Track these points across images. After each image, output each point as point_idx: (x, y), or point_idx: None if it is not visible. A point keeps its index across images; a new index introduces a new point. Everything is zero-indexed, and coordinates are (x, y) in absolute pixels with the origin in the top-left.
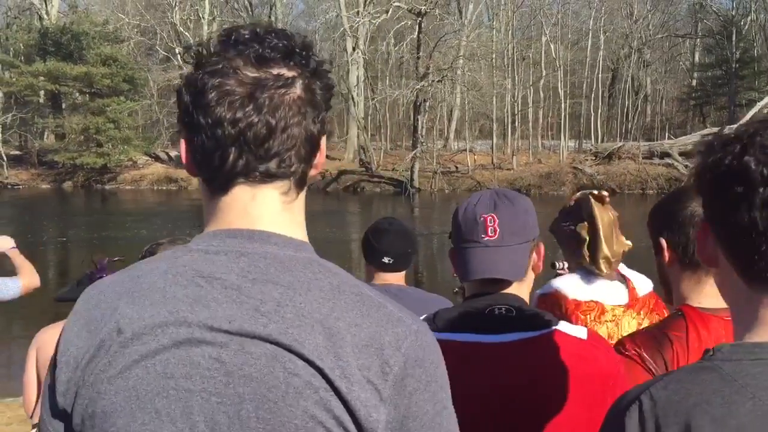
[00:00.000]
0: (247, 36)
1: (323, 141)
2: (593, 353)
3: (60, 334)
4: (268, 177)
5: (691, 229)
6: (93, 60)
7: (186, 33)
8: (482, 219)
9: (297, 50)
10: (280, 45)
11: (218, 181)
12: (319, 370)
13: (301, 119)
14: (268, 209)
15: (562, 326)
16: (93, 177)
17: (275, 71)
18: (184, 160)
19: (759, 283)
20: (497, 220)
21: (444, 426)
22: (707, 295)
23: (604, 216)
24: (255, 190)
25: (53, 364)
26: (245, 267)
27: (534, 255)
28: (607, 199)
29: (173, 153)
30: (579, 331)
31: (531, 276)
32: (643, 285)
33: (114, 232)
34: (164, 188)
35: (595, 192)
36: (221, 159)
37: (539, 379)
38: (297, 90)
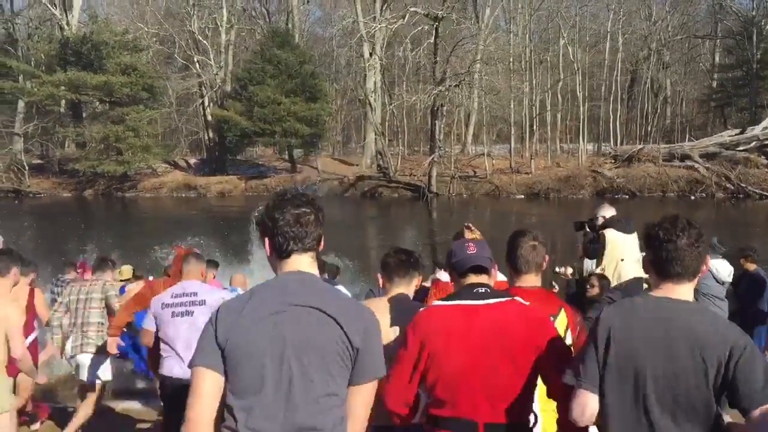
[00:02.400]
0: (290, 196)
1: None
2: (531, 309)
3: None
4: (306, 251)
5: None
6: (113, 69)
7: (204, 41)
8: (467, 244)
9: (310, 201)
10: (304, 200)
11: (284, 254)
12: (339, 324)
13: (315, 228)
14: (305, 263)
15: (516, 298)
16: (113, 185)
17: (304, 209)
18: (268, 250)
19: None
20: (475, 246)
21: (380, 358)
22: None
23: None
24: (302, 256)
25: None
26: (300, 282)
27: (493, 270)
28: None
29: (192, 160)
30: (522, 301)
31: (494, 278)
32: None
33: (133, 239)
34: (183, 195)
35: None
36: (285, 246)
37: (505, 321)
38: (312, 217)
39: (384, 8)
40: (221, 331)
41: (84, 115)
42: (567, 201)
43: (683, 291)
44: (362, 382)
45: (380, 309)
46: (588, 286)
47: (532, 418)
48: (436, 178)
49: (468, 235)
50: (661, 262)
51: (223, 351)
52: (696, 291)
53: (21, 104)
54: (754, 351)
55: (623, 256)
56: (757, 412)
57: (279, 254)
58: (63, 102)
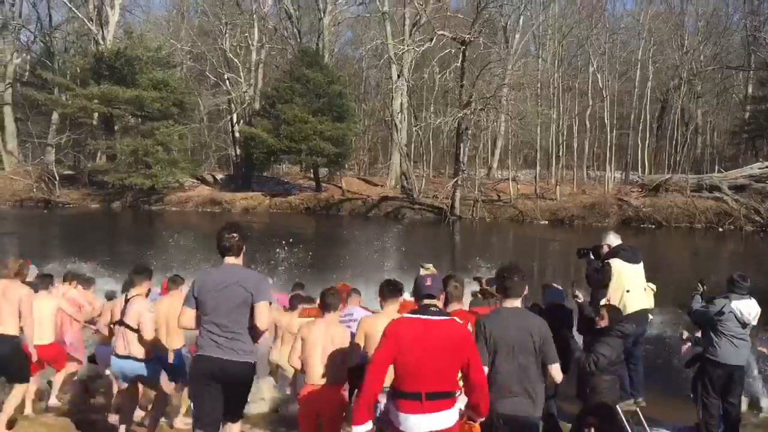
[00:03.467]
0: (227, 226)
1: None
2: (461, 326)
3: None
4: (232, 255)
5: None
6: (145, 84)
7: (235, 59)
8: (426, 278)
9: (237, 227)
10: (233, 228)
11: (222, 256)
12: (249, 291)
13: (241, 243)
14: (232, 261)
15: (454, 318)
16: (141, 198)
17: (234, 233)
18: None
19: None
20: (431, 280)
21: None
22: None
23: None
24: (230, 257)
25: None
26: (229, 269)
27: (441, 295)
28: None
29: (219, 176)
30: (458, 319)
31: (441, 301)
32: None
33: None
34: (208, 210)
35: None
36: (222, 252)
37: (448, 331)
38: (236, 238)
39: (413, 31)
40: (196, 290)
41: (115, 128)
42: (591, 228)
43: (516, 303)
44: (258, 304)
45: (378, 322)
46: (597, 317)
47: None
48: (460, 201)
49: (423, 271)
50: (506, 290)
51: (197, 300)
52: (717, 332)
53: (55, 116)
54: (549, 334)
55: (629, 287)
56: (552, 367)
57: (221, 256)
58: (95, 115)
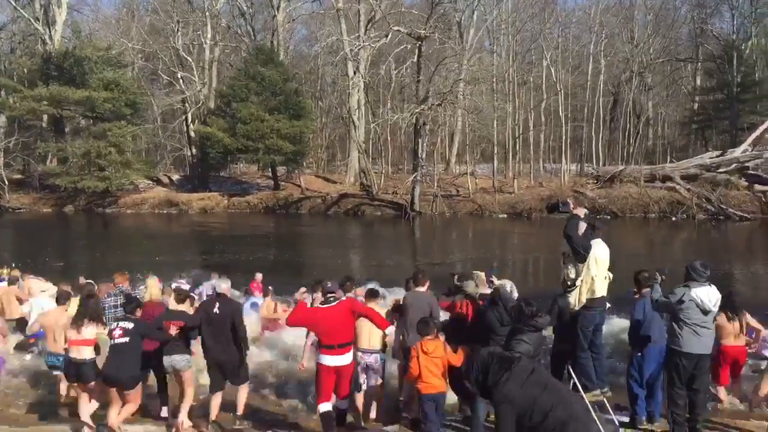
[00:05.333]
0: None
1: None
2: (348, 302)
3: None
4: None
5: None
6: (95, 84)
7: (189, 58)
8: (328, 283)
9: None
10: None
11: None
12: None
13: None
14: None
15: (343, 299)
16: (94, 201)
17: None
18: None
19: None
20: (332, 284)
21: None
22: None
23: None
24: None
25: None
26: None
27: (338, 291)
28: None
29: (175, 177)
30: (352, 298)
31: (340, 295)
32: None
33: (113, 256)
34: (165, 212)
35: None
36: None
37: (341, 312)
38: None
39: (368, 27)
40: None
41: (66, 130)
42: (549, 221)
43: (423, 289)
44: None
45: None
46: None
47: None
48: (419, 197)
49: (330, 285)
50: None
51: None
52: (679, 321)
53: (2, 119)
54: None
55: (602, 273)
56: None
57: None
58: (45, 117)
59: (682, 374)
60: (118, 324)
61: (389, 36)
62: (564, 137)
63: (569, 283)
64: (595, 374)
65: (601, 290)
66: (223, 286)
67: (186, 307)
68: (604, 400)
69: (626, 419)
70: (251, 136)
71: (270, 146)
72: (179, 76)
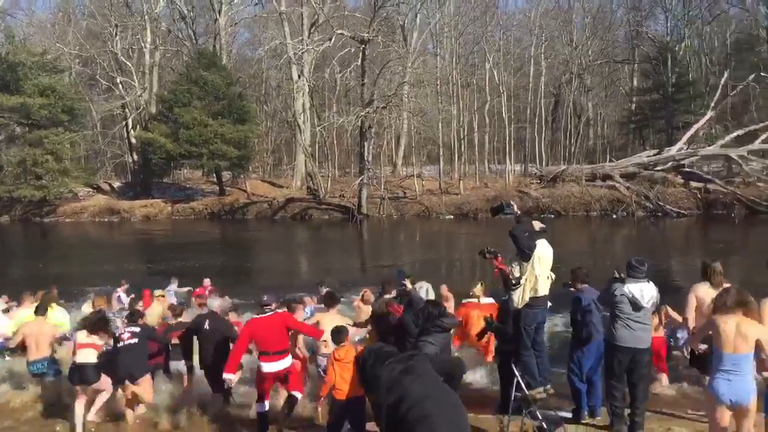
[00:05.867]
0: None
1: None
2: (282, 314)
3: None
4: None
5: None
6: (30, 90)
7: (128, 62)
8: (265, 296)
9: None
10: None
11: None
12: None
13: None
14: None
15: (279, 312)
16: (31, 210)
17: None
18: None
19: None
20: (268, 296)
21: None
22: None
23: None
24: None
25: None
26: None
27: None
28: None
29: (116, 184)
30: (282, 312)
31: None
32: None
33: (52, 266)
34: (106, 220)
35: None
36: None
37: (276, 323)
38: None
39: (312, 30)
40: None
41: (0, 138)
42: (494, 221)
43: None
44: None
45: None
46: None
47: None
48: (367, 200)
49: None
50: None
51: None
52: (615, 315)
53: None
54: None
55: (545, 273)
56: None
57: None
58: None
59: (617, 368)
60: (126, 329)
61: (333, 39)
62: (508, 138)
63: (514, 281)
64: (538, 371)
65: (544, 289)
66: (215, 304)
67: (185, 319)
68: (547, 396)
69: (569, 415)
70: (194, 141)
71: (214, 151)
72: (118, 81)
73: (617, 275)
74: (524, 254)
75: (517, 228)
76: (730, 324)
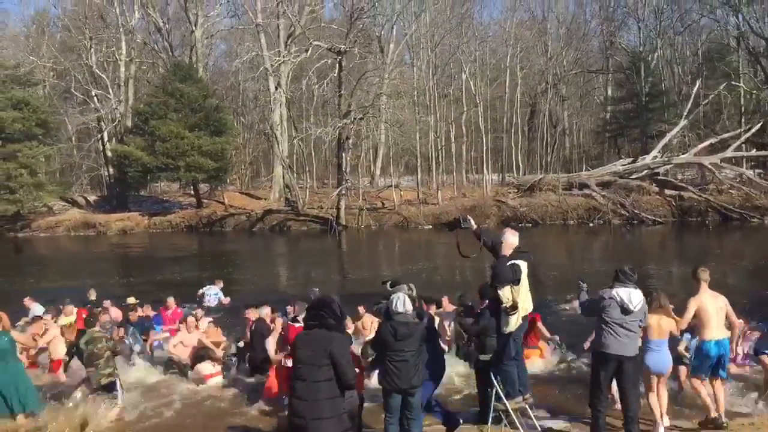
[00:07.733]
0: None
1: None
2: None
3: None
4: None
5: None
6: (3, 104)
7: (103, 75)
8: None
9: None
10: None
11: None
12: None
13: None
14: None
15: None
16: (5, 225)
17: None
18: None
19: None
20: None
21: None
22: None
23: None
24: None
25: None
26: None
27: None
28: None
29: (92, 197)
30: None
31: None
32: None
33: (29, 282)
34: (81, 234)
35: None
36: None
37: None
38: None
39: (288, 42)
40: None
41: None
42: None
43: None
44: None
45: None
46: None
47: None
48: (345, 211)
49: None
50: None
51: None
52: (602, 321)
53: None
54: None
55: (527, 288)
56: None
57: None
58: None
59: (601, 375)
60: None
61: (309, 51)
62: (485, 148)
63: (509, 308)
64: (519, 380)
65: (530, 303)
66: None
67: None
68: (526, 406)
69: (552, 424)
70: (171, 153)
71: (191, 164)
72: (94, 94)
73: (581, 285)
74: (514, 282)
75: (499, 266)
76: (654, 319)
